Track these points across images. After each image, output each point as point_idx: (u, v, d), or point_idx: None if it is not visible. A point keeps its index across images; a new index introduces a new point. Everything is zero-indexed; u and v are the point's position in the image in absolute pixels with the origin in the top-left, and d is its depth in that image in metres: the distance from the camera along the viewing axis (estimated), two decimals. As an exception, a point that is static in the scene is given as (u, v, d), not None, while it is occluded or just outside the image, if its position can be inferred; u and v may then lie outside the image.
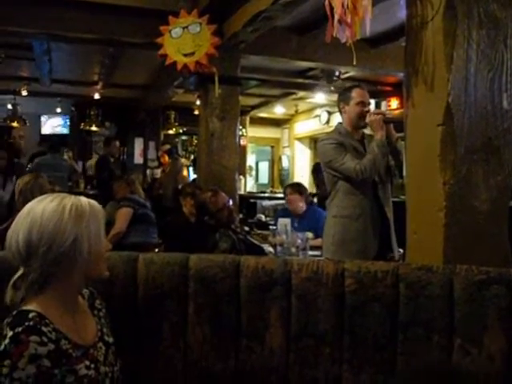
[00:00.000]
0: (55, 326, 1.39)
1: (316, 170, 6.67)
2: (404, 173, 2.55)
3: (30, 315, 1.36)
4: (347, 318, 1.81)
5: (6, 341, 1.30)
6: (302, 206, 5.02)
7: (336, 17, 2.29)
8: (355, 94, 3.35)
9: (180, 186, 6.75)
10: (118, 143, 8.44)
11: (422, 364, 1.76)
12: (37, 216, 1.40)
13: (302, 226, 4.70)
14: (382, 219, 3.29)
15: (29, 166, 8.68)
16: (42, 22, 5.02)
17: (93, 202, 1.50)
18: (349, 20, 2.26)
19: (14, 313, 1.38)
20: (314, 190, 7.50)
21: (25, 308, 1.40)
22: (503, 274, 1.77)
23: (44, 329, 1.35)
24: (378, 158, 3.16)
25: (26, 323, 1.33)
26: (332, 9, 2.32)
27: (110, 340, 1.59)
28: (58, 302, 1.45)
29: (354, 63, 2.55)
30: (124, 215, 4.80)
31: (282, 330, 1.82)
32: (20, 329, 1.32)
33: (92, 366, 1.45)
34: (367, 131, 3.44)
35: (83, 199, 1.48)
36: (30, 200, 1.51)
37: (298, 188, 5.15)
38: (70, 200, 1.45)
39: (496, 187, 2.18)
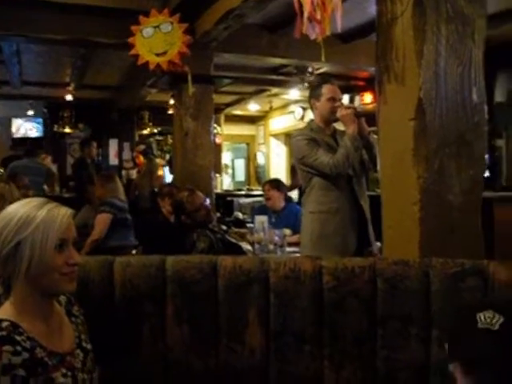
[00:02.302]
0: (29, 334, 1.37)
1: (293, 171, 6.70)
2: (378, 167, 2.57)
3: (3, 325, 1.34)
4: (326, 314, 1.82)
5: None
6: (280, 202, 5.01)
7: (305, 14, 2.30)
8: (326, 90, 3.35)
9: (156, 189, 6.71)
10: (95, 144, 8.36)
11: (402, 358, 1.78)
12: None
13: (280, 222, 4.71)
14: (358, 213, 3.30)
15: (1, 170, 8.57)
16: (12, 23, 4.96)
17: (64, 212, 1.46)
18: (318, 17, 2.27)
19: None
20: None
21: None
22: (477, 265, 1.79)
23: (18, 338, 1.33)
24: (350, 152, 3.16)
25: None
26: (301, 6, 2.33)
27: (89, 346, 1.57)
28: (29, 309, 1.42)
29: (323, 59, 2.56)
30: (103, 221, 4.74)
31: (261, 328, 1.82)
32: None
33: (69, 373, 1.43)
34: (339, 126, 3.45)
35: (55, 209, 1.44)
36: (5, 205, 1.50)
37: (277, 184, 5.13)
38: (30, 207, 1.44)
39: (469, 180, 2.21)
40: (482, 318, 1.26)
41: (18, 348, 1.31)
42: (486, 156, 2.35)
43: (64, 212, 1.46)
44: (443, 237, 2.19)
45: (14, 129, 11.31)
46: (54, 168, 9.38)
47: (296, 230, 4.31)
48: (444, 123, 2.18)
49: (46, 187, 7.69)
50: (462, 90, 2.20)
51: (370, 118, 3.21)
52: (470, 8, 2.19)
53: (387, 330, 1.80)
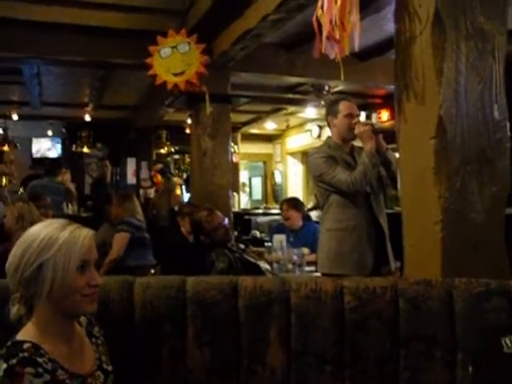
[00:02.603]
0: (51, 355, 1.36)
1: None
2: (398, 185, 2.55)
3: (25, 346, 1.34)
4: (348, 335, 1.80)
5: (0, 374, 1.28)
6: (298, 221, 4.97)
7: (324, 33, 2.30)
8: (343, 107, 3.34)
9: (176, 207, 6.72)
10: (107, 162, 8.38)
11: (425, 380, 1.75)
12: (21, 239, 1.45)
13: (298, 241, 4.67)
14: (376, 230, 3.27)
15: (20, 189, 8.65)
16: (33, 46, 5.04)
17: (85, 234, 1.46)
18: (337, 36, 2.27)
19: (9, 343, 1.36)
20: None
21: (19, 339, 1.38)
22: (503, 285, 1.77)
23: (39, 359, 1.33)
24: (368, 169, 3.15)
25: (21, 354, 1.31)
26: (320, 25, 2.33)
27: (109, 368, 1.56)
28: (50, 330, 1.42)
29: (342, 78, 2.56)
30: (121, 240, 4.75)
31: (283, 349, 1.80)
32: (14, 361, 1.29)
33: None
34: (356, 143, 3.44)
35: (76, 231, 1.45)
36: (26, 224, 1.52)
37: (295, 204, 5.08)
38: (53, 228, 1.44)
39: (491, 198, 2.18)
40: (509, 342, 1.23)
41: (40, 370, 1.31)
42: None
43: (85, 233, 1.46)
44: (466, 256, 2.15)
45: (33, 149, 11.45)
46: (72, 187, 9.47)
47: (314, 249, 4.28)
48: (465, 141, 2.15)
49: (65, 206, 7.72)
50: (483, 108, 2.18)
51: (389, 135, 3.21)
52: (489, 25, 2.18)
53: (410, 351, 1.77)
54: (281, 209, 5.21)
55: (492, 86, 2.22)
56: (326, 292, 1.81)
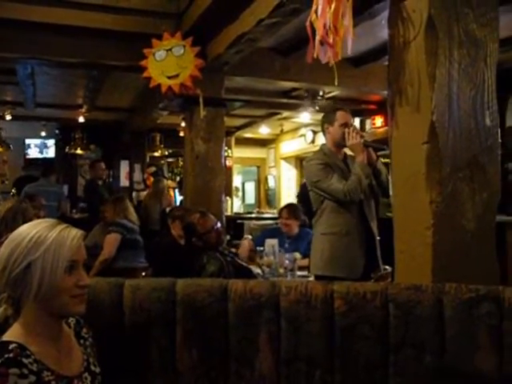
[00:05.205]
0: (37, 357, 1.35)
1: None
2: (390, 192, 2.56)
3: (10, 347, 1.33)
4: (337, 340, 1.79)
5: None
6: (296, 228, 4.98)
7: (317, 37, 2.30)
8: (339, 116, 3.49)
9: (167, 209, 6.70)
10: (102, 165, 8.35)
11: (414, 385, 1.75)
12: (9, 238, 1.44)
13: (294, 246, 4.69)
14: (368, 236, 3.40)
15: (13, 190, 8.60)
16: (27, 46, 5.00)
17: (74, 233, 1.45)
18: (331, 40, 2.27)
19: None
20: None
21: (5, 339, 1.36)
22: (492, 291, 1.76)
23: (25, 360, 1.31)
24: (362, 179, 3.29)
25: (6, 355, 1.30)
26: (313, 30, 2.33)
27: (97, 370, 1.55)
28: (37, 331, 1.41)
29: (336, 84, 2.57)
30: (112, 241, 4.74)
31: (272, 354, 1.79)
32: None
33: None
34: (348, 151, 3.54)
35: (65, 231, 1.44)
36: (12, 226, 1.50)
37: (295, 212, 5.06)
38: (41, 227, 1.43)
39: (482, 204, 2.19)
40: None
41: (25, 371, 1.30)
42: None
43: (74, 233, 1.45)
44: (456, 262, 2.16)
45: (26, 149, 11.41)
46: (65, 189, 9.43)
47: (306, 254, 4.28)
48: (457, 147, 2.16)
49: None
50: (475, 114, 2.19)
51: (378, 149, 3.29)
52: (482, 31, 2.19)
53: (399, 356, 1.77)
54: (280, 216, 5.17)
55: (484, 93, 2.23)
56: (315, 296, 1.80)
